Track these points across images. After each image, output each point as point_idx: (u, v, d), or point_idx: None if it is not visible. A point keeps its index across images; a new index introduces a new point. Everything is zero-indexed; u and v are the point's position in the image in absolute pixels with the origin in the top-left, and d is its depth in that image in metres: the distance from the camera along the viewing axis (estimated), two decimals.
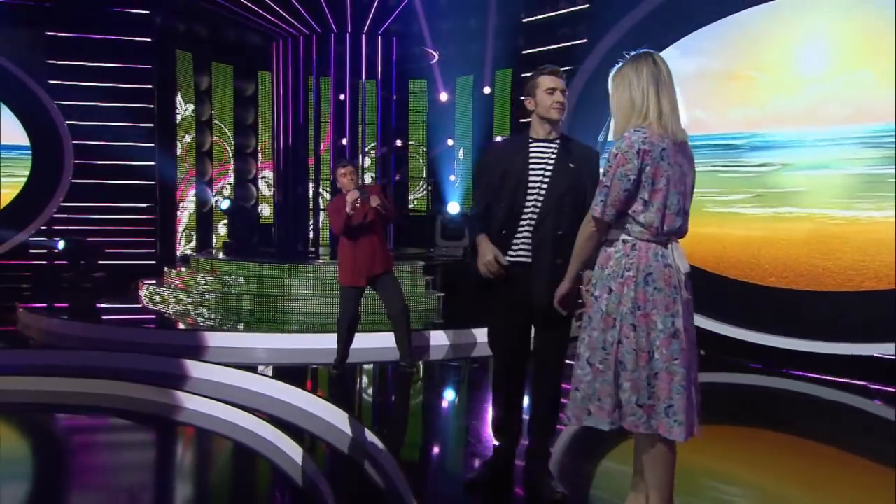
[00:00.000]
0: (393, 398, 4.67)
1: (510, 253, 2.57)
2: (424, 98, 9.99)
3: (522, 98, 2.60)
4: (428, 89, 9.94)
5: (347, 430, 3.80)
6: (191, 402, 4.61)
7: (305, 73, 7.96)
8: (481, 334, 5.72)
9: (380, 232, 4.40)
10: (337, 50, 8.00)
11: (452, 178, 9.75)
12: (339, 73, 8.01)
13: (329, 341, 4.99)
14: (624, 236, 2.10)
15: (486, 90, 9.28)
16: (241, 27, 9.06)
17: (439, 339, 5.82)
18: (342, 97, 8.13)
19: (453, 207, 8.39)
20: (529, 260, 2.56)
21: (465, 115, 9.81)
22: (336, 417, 3.96)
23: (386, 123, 8.34)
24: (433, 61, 9.21)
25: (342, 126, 8.09)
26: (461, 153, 9.80)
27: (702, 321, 4.98)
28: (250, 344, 5.68)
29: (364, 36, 8.04)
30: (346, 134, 8.10)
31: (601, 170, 2.18)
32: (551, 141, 2.60)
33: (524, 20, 7.27)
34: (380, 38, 8.10)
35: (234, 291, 6.87)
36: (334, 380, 4.73)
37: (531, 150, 2.59)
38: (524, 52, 7.41)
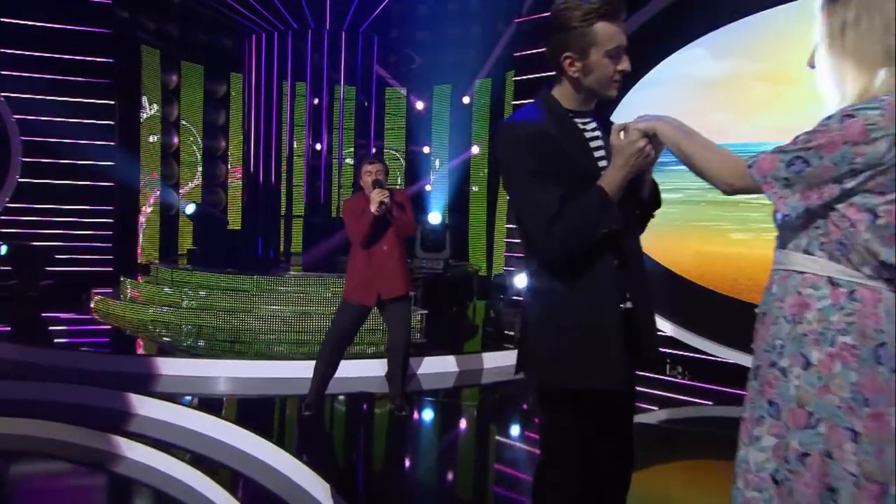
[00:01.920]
0: (384, 457, 3.51)
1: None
2: (403, 105, 9.05)
3: (562, 56, 1.47)
4: (406, 97, 9.01)
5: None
6: (132, 450, 3.37)
7: (280, 73, 7.05)
8: (470, 360, 4.78)
9: (402, 246, 3.43)
10: (314, 48, 7.06)
11: (429, 187, 8.88)
12: (315, 74, 7.11)
13: (304, 369, 3.80)
14: (835, 274, 1.12)
15: (466, 100, 8.49)
16: (212, 24, 7.99)
17: (426, 365, 4.75)
18: (316, 101, 7.23)
19: (434, 218, 7.42)
20: (629, 304, 1.51)
21: (442, 124, 8.92)
22: (311, 485, 2.78)
23: (364, 128, 7.46)
24: (413, 65, 8.34)
25: (318, 130, 7.18)
26: (437, 163, 8.95)
27: (731, 354, 4.11)
28: (209, 372, 4.50)
29: (344, 33, 7.02)
30: (322, 139, 7.18)
31: (800, 135, 1.15)
32: (591, 113, 1.57)
33: (519, 20, 6.24)
34: (360, 36, 7.11)
35: (193, 305, 5.75)
36: (305, 426, 3.57)
37: (580, 127, 1.54)
38: (518, 55, 6.36)
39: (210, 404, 3.92)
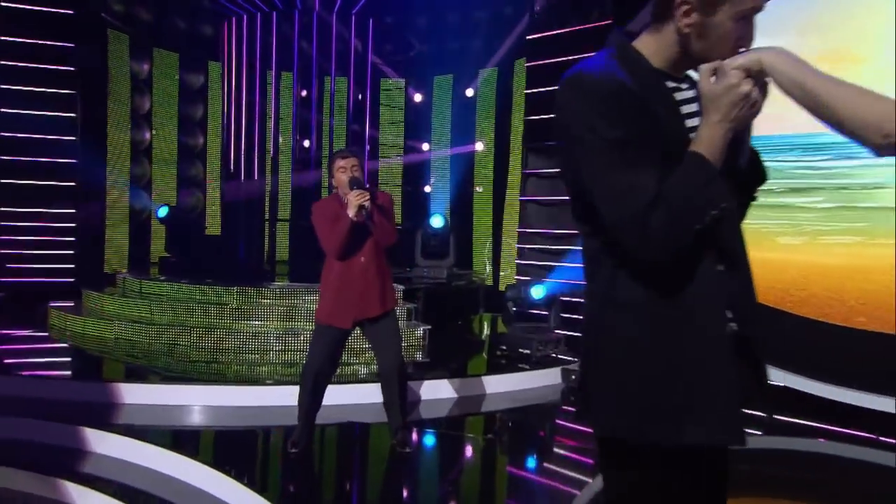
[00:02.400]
0: (386, 502, 3.13)
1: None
2: (401, 98, 8.76)
3: (678, 5, 1.16)
4: (404, 88, 8.73)
5: None
6: (86, 500, 3.01)
7: (263, 61, 6.81)
8: (480, 384, 4.53)
9: (382, 256, 3.15)
10: (301, 33, 6.82)
11: (428, 188, 8.64)
12: (302, 62, 6.90)
13: (291, 395, 3.45)
14: None
15: (469, 92, 8.23)
16: (188, 7, 7.78)
17: (429, 390, 4.44)
18: (304, 93, 7.10)
19: (436, 221, 7.12)
20: (734, 325, 1.20)
21: (443, 119, 8.65)
22: None
23: (358, 123, 7.18)
24: (412, 53, 8.05)
25: (306, 125, 7.01)
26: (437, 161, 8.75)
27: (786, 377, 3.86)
28: (182, 399, 4.17)
29: (334, 16, 6.79)
30: (310, 135, 7.03)
31: None
32: (685, 79, 1.26)
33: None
34: (353, 19, 6.88)
35: (165, 321, 5.46)
36: (292, 466, 3.25)
37: (671, 92, 1.23)
38: (530, 38, 6.09)
39: (182, 440, 3.62)
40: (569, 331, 5.38)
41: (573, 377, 4.70)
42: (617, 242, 1.17)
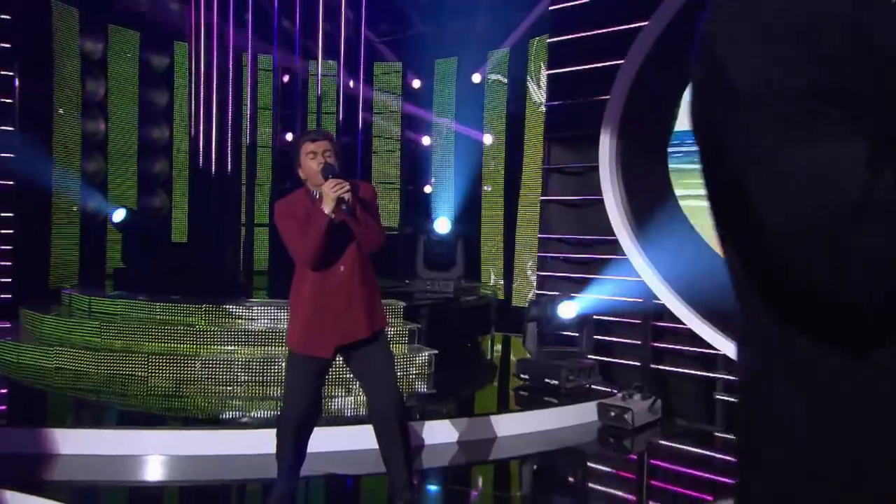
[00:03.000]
0: None
1: None
2: (398, 83, 8.58)
3: None
4: (402, 73, 8.52)
5: None
6: None
7: (237, 41, 6.64)
8: (500, 422, 4.20)
9: (367, 264, 2.84)
10: (282, 9, 6.62)
11: (429, 188, 8.43)
12: (284, 43, 6.73)
13: (270, 440, 3.03)
14: None
15: (476, 78, 8.01)
16: None
17: (437, 432, 4.09)
18: (286, 78, 7.14)
19: (442, 225, 6.87)
20: None
21: (446, 108, 8.43)
22: None
23: (349, 113, 6.95)
24: (409, 32, 7.89)
25: (289, 115, 6.88)
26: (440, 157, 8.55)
27: None
28: (137, 447, 3.78)
29: None
30: (294, 126, 6.89)
31: None
32: None
33: None
34: None
35: (118, 346, 5.20)
36: None
37: None
38: (554, 8, 5.82)
39: (137, 499, 3.30)
40: (603, 356, 5.13)
41: (612, 413, 4.41)
42: (790, 272, 0.73)
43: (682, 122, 4.72)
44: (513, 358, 6.00)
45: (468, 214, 7.97)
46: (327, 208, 2.63)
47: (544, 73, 6.73)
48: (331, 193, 2.60)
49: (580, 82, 5.49)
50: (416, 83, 8.27)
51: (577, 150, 5.59)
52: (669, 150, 4.83)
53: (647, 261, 4.91)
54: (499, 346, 6.76)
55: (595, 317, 5.11)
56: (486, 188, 8.10)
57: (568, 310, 4.96)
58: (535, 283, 6.67)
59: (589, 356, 5.06)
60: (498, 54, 7.92)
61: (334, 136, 3.09)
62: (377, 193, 2.92)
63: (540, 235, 5.92)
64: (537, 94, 7.33)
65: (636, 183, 5.10)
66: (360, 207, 2.70)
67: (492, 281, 7.81)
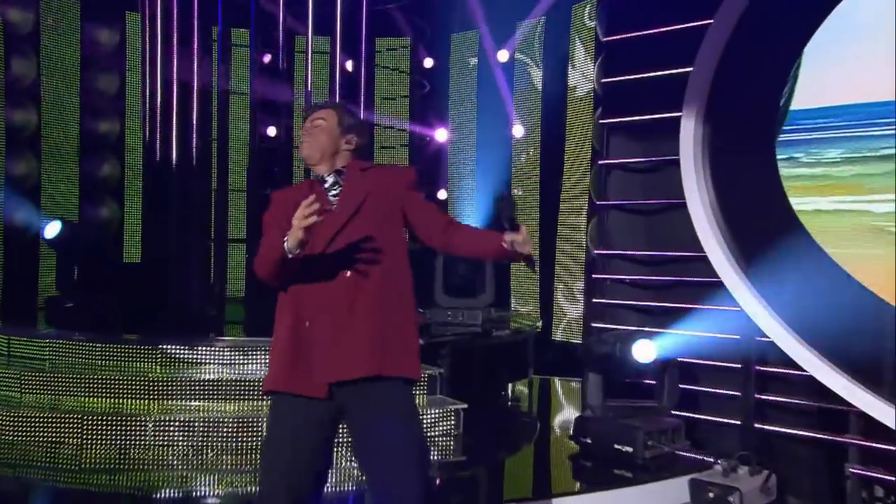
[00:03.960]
0: None
1: None
2: (405, 62, 8.68)
3: None
4: (411, 50, 8.65)
5: None
6: None
7: (204, 11, 6.65)
8: None
9: (404, 279, 2.64)
10: None
11: (443, 193, 8.59)
12: (264, 16, 6.95)
13: None
14: None
15: (502, 56, 8.04)
16: None
17: None
18: (268, 58, 7.31)
19: None
20: None
21: (465, 93, 8.55)
22: None
23: (349, 99, 7.01)
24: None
25: (271, 104, 7.00)
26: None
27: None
28: None
29: None
30: (278, 118, 7.05)
31: None
32: None
33: None
34: None
35: (46, 402, 5.08)
36: None
37: None
38: None
39: None
40: (691, 412, 4.87)
41: (711, 494, 4.04)
42: None
43: (801, 98, 4.44)
44: (564, 412, 6.02)
45: (496, 226, 7.85)
46: (288, 241, 2.42)
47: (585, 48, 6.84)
48: (298, 220, 2.37)
49: (648, 51, 5.25)
50: (430, 62, 8.33)
51: (645, 141, 5.35)
52: (780, 137, 4.56)
53: (749, 284, 4.58)
54: (542, 395, 6.84)
55: (680, 360, 4.83)
56: (516, 192, 8.16)
57: (645, 351, 4.65)
58: (582, 313, 6.80)
59: (673, 412, 4.80)
60: (529, 25, 8.04)
61: (342, 106, 2.83)
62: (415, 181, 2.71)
63: (598, 251, 5.66)
64: (582, 70, 7.35)
65: (731, 181, 4.83)
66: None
67: (527, 309, 7.87)
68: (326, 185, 2.58)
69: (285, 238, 2.40)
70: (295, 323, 2.55)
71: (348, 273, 2.52)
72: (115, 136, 8.46)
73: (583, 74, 7.34)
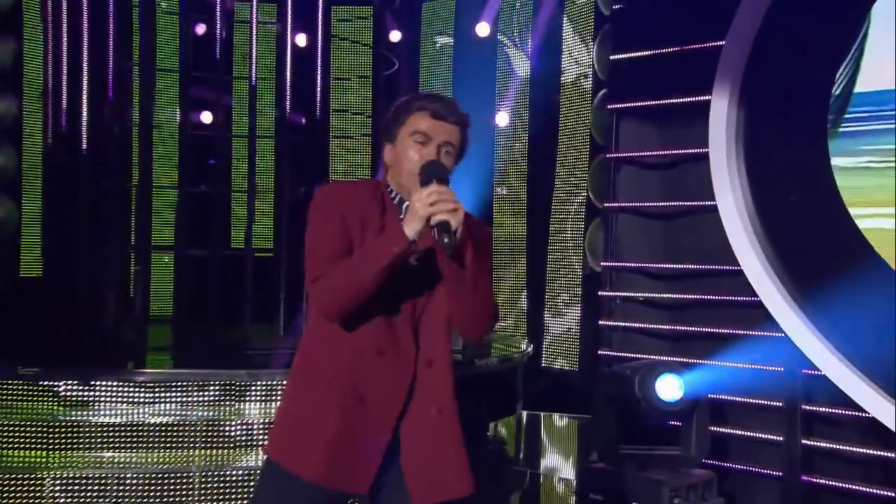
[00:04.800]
0: None
1: None
2: (368, 35, 8.57)
3: None
4: (373, 22, 8.52)
5: None
6: None
7: None
8: None
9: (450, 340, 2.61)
10: None
11: None
12: None
13: None
14: None
15: (482, 29, 7.85)
16: None
17: None
18: (202, 29, 7.33)
19: None
20: None
21: (438, 73, 8.49)
22: None
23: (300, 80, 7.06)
24: None
25: (206, 82, 6.98)
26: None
27: None
28: None
29: None
30: (217, 101, 6.97)
31: None
32: None
33: None
34: None
35: None
36: None
37: None
38: None
39: None
40: (721, 460, 4.77)
41: None
42: None
43: (866, 79, 4.33)
44: (561, 458, 6.04)
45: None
46: (411, 229, 2.24)
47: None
48: (424, 208, 2.21)
49: (667, 21, 5.19)
50: (396, 36, 8.10)
51: (665, 129, 5.33)
52: (840, 127, 4.48)
53: (796, 306, 4.53)
54: (533, 435, 6.89)
55: (710, 397, 4.75)
56: (500, 191, 8.09)
57: (670, 388, 4.53)
58: (579, 336, 6.92)
59: (704, 461, 4.69)
60: None
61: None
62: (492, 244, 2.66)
63: (605, 264, 5.61)
64: (579, 46, 7.34)
65: (773, 179, 4.77)
66: (470, 249, 2.33)
67: (513, 330, 7.85)
68: (397, 205, 2.45)
69: (406, 232, 2.21)
70: (351, 399, 2.42)
71: (422, 346, 2.43)
72: (11, 119, 7.87)
73: (571, 55, 7.35)
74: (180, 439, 4.85)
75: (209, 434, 4.91)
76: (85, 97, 6.50)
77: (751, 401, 4.81)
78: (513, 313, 7.93)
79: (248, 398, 5.25)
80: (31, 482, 4.52)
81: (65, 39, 6.47)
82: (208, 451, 4.88)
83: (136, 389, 5.03)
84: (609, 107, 5.64)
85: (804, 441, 4.56)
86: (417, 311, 2.45)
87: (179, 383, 5.08)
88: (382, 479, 2.49)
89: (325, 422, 2.43)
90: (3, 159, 7.75)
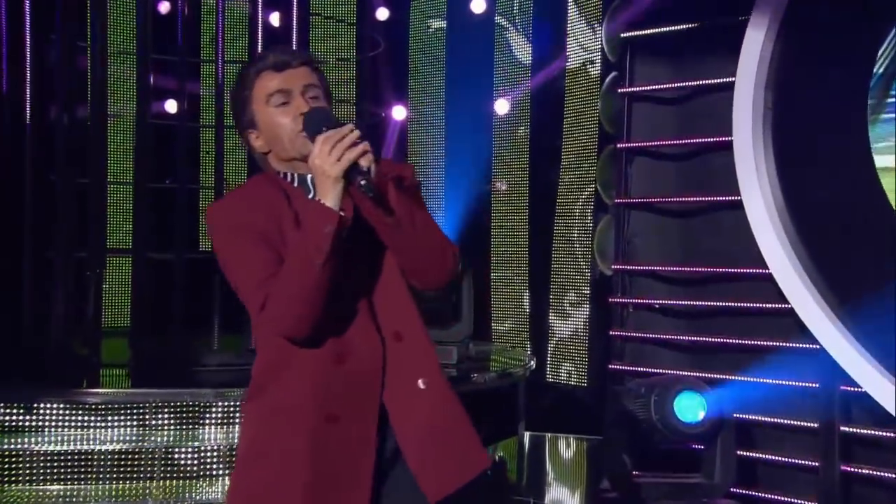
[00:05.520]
0: None
1: None
2: (352, 14, 8.63)
3: None
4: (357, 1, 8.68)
5: None
6: None
7: None
8: None
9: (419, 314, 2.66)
10: None
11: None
12: None
13: None
14: None
15: (478, 5, 7.98)
16: None
17: None
18: (165, 7, 7.44)
19: None
20: None
21: (428, 58, 8.55)
22: None
23: None
24: None
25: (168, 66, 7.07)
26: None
27: None
28: None
29: None
30: (181, 90, 6.87)
31: None
32: None
33: None
34: None
35: None
36: None
37: None
38: None
39: None
40: (748, 488, 4.80)
41: None
42: None
43: None
44: (569, 485, 6.24)
45: (473, 231, 7.95)
46: (331, 196, 2.20)
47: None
48: (331, 164, 2.19)
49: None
50: (383, 13, 8.22)
51: (684, 117, 5.38)
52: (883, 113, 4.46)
53: (833, 315, 4.50)
54: (536, 459, 6.92)
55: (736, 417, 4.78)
56: (499, 186, 8.15)
57: (692, 408, 4.54)
58: (587, 347, 6.99)
59: (730, 489, 4.70)
60: None
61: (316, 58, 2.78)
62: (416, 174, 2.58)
63: (617, 266, 5.65)
64: (584, 31, 7.41)
65: (807, 171, 4.75)
66: (392, 185, 2.31)
67: (514, 341, 7.93)
68: (300, 186, 2.43)
69: (327, 202, 2.18)
70: (315, 421, 2.36)
71: (383, 323, 2.39)
72: None
73: (576, 41, 7.42)
74: (136, 469, 4.81)
75: (168, 463, 4.86)
76: (28, 84, 6.43)
77: (782, 421, 4.80)
78: (513, 321, 7.99)
79: (212, 421, 5.24)
80: None
81: (3, 17, 6.46)
82: (167, 483, 4.84)
83: (87, 413, 4.97)
84: (620, 91, 5.64)
85: (843, 467, 4.55)
86: (367, 289, 2.39)
87: (138, 405, 5.04)
88: (381, 490, 2.41)
89: (294, 457, 2.36)
90: None
